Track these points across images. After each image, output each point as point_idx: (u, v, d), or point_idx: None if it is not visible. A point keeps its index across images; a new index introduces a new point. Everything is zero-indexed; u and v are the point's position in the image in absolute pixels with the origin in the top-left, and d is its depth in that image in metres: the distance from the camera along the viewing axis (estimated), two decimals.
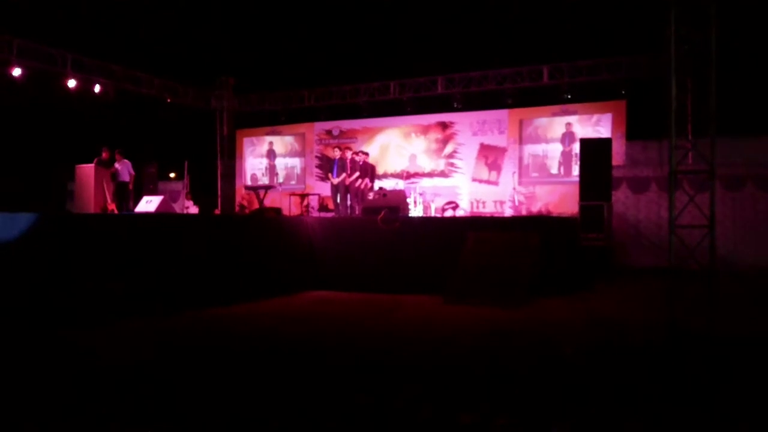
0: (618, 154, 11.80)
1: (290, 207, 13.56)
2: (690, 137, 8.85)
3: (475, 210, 13.73)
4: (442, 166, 14.49)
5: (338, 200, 12.41)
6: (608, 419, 3.46)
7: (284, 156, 16.46)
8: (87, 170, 12.44)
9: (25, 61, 12.19)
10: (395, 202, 10.31)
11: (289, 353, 5.25)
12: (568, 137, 13.26)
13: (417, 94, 14.59)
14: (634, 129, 12.44)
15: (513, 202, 13.01)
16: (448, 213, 12.55)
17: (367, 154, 12.94)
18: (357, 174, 11.59)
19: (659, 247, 9.57)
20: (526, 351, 5.34)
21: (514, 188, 13.10)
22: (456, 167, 14.35)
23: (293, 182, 16.19)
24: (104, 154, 12.18)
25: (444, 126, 14.54)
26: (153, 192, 12.91)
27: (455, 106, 14.41)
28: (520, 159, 13.66)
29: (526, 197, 13.10)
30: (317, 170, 15.79)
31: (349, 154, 11.94)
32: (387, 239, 9.23)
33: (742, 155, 10.89)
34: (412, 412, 3.57)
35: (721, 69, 7.93)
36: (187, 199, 14.25)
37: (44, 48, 12.60)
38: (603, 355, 5.06)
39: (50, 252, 6.40)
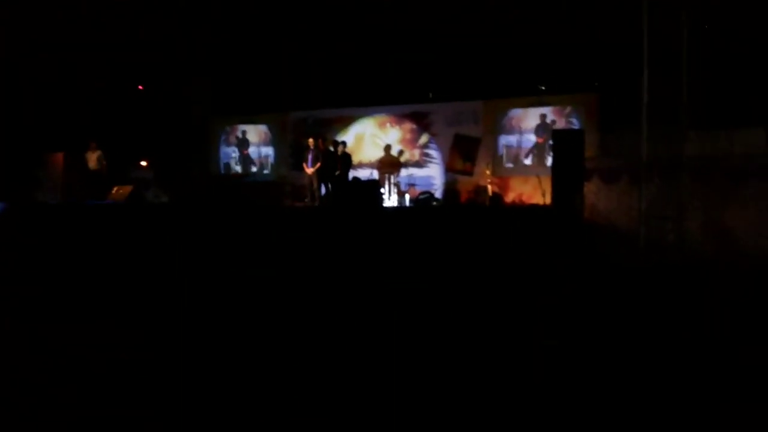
0: (590, 145, 11.87)
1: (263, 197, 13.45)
2: (661, 129, 8.93)
3: (449, 200, 13.75)
4: (417, 156, 14.46)
5: (312, 190, 12.35)
6: None
7: (258, 145, 16.27)
8: (56, 159, 12.27)
9: None
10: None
11: None
12: (541, 128, 13.33)
13: (392, 84, 14.49)
14: (606, 120, 12.52)
15: (486, 192, 13.04)
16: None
17: (344, 143, 12.89)
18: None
19: (630, 239, 9.65)
20: None
21: (488, 179, 13.12)
22: (431, 157, 14.34)
23: (266, 171, 16.03)
24: (91, 144, 12.30)
25: (419, 116, 14.50)
26: (123, 181, 12.74)
27: (430, 96, 14.38)
28: (495, 149, 13.70)
29: (499, 187, 13.14)
30: (291, 159, 15.63)
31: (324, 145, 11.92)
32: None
33: (711, 147, 11.00)
34: None
35: (693, 61, 8.00)
36: (158, 187, 14.06)
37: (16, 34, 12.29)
38: None
39: None
